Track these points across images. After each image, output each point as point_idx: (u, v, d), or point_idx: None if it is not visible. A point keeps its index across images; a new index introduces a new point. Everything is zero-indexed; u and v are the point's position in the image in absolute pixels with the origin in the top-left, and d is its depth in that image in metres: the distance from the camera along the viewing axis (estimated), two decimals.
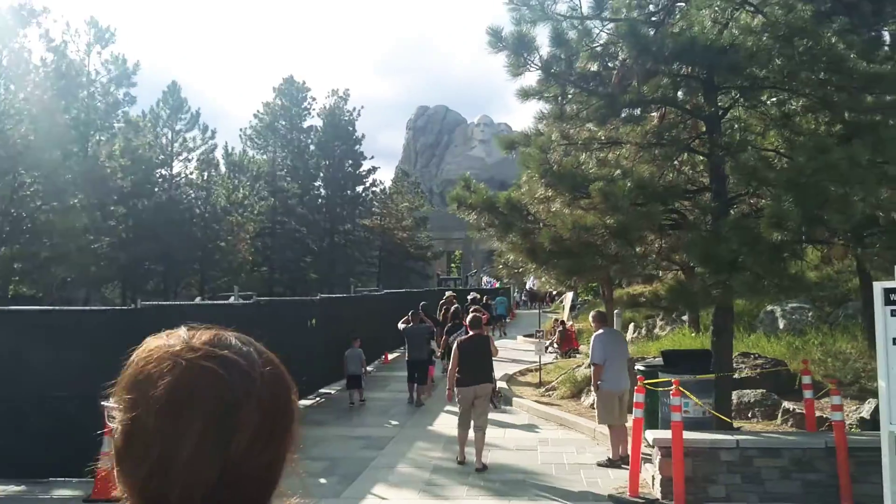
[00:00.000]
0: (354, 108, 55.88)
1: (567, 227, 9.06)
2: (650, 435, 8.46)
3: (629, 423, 11.08)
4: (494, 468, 9.87)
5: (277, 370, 1.08)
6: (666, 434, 8.25)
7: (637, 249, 9.69)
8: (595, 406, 11.41)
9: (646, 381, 8.85)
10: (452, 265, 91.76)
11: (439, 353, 16.92)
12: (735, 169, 9.83)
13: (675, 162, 10.48)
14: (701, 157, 10.84)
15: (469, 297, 22.53)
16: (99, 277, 32.21)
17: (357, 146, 54.55)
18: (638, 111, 10.46)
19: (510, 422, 13.13)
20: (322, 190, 53.56)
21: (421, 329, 16.04)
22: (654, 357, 13.68)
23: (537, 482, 9.25)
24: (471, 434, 10.07)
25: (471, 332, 10.70)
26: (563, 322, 24.01)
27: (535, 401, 15.01)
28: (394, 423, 13.48)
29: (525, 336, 29.97)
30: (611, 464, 10.11)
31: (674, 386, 8.21)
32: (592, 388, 12.94)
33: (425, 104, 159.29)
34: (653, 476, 8.68)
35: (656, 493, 8.35)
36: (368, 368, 20.03)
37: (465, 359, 10.16)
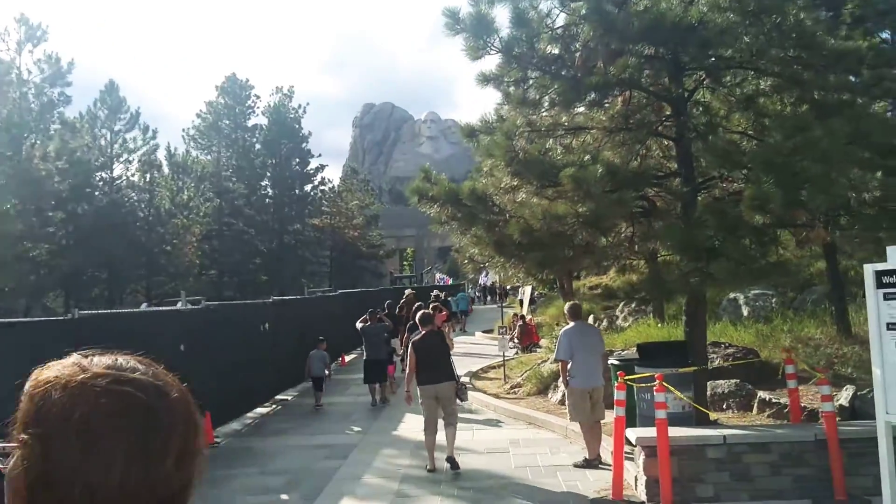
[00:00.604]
0: (300, 106, 54.85)
1: (537, 217, 8.57)
2: (632, 434, 8.00)
3: (607, 421, 10.70)
4: (467, 474, 9.34)
5: (184, 390, 1.08)
6: (650, 432, 7.80)
7: (609, 238, 9.26)
8: (566, 403, 10.97)
9: (627, 378, 8.36)
10: (405, 263, 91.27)
11: (400, 352, 16.50)
12: (706, 151, 9.45)
13: (642, 147, 10.06)
14: (668, 142, 10.48)
15: (432, 295, 22.63)
16: (39, 286, 30.80)
17: (304, 144, 53.53)
18: (601, 95, 10.00)
19: (477, 422, 12.64)
20: (269, 189, 52.41)
21: (378, 328, 15.71)
22: (623, 350, 13.31)
23: (514, 487, 8.74)
24: (440, 438, 9.60)
25: (422, 330, 10.07)
26: (522, 316, 23.61)
27: (501, 398, 14.55)
28: (356, 429, 12.87)
29: (484, 332, 29.61)
30: (588, 464, 9.66)
31: (657, 381, 7.76)
32: (562, 385, 12.57)
33: (371, 101, 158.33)
34: (636, 477, 8.24)
35: (641, 495, 7.90)
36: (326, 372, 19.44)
37: (422, 358, 9.66)
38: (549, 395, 14.05)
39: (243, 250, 45.38)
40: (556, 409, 12.80)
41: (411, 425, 12.82)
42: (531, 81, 10.31)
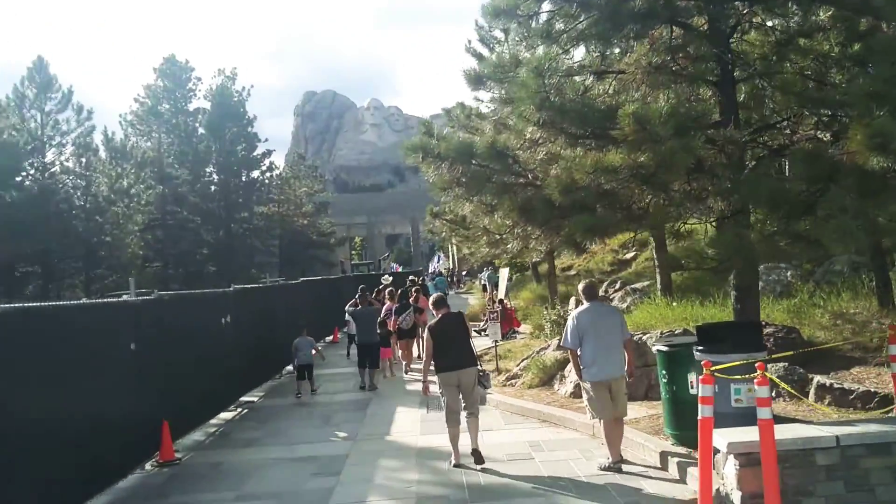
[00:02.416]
0: (244, 88, 52.17)
1: (585, 170, 6.82)
2: (721, 438, 6.34)
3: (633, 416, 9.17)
4: (496, 490, 7.60)
5: None
6: (746, 435, 6.16)
7: (666, 197, 7.56)
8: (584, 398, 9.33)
9: (715, 368, 6.67)
10: (353, 252, 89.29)
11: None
12: (777, 90, 7.85)
13: (693, 88, 8.41)
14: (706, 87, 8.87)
15: (409, 280, 23.59)
16: None
17: (249, 128, 50.92)
18: (642, 28, 8.28)
19: (483, 422, 10.85)
20: (215, 176, 49.71)
21: (370, 311, 15.46)
22: (644, 333, 11.71)
23: None
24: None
25: (437, 314, 9.04)
26: (500, 301, 21.94)
27: (501, 392, 12.84)
28: (342, 434, 11.00)
29: None
30: (614, 466, 8.08)
31: (759, 372, 6.10)
32: (573, 377, 11.05)
33: (312, 89, 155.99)
34: (718, 490, 6.58)
35: None
36: (290, 367, 17.63)
37: (439, 343, 8.69)
38: (556, 387, 12.40)
39: (189, 240, 42.74)
40: (570, 404, 11.15)
41: (404, 427, 11.08)
42: (551, 13, 8.57)
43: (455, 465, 8.60)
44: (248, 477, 8.89)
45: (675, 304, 13.57)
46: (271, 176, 54.94)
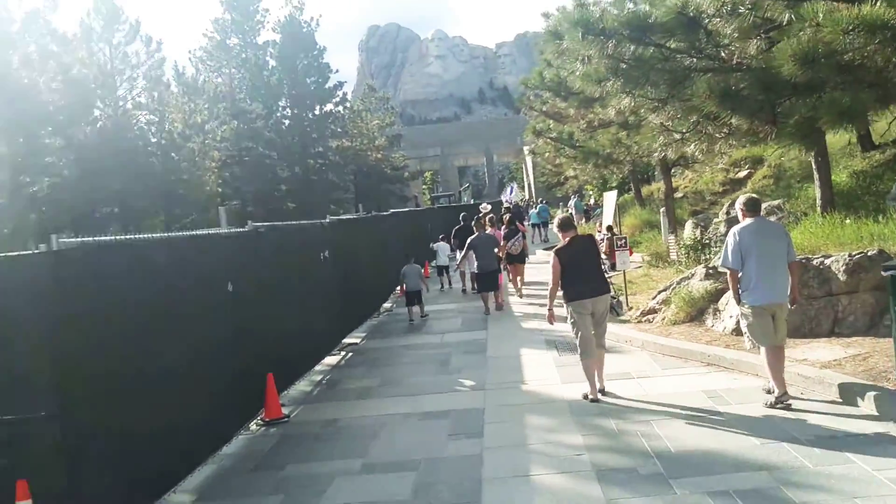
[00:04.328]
0: (312, 18, 50.29)
1: (839, 28, 4.90)
2: None
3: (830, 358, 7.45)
4: (696, 462, 5.91)
5: None
6: None
7: None
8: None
9: None
10: (424, 186, 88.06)
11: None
12: None
13: None
14: None
15: (503, 207, 24.31)
16: (44, 227, 27.05)
17: (321, 58, 49.18)
18: None
19: (634, 366, 9.23)
20: (288, 110, 48.33)
21: (489, 238, 15.19)
22: (825, 256, 9.74)
23: (799, 486, 5.29)
24: None
25: (563, 237, 8.29)
26: (609, 227, 20.05)
27: (642, 330, 11.14)
28: (467, 382, 9.47)
29: (546, 249, 26.64)
30: (782, 400, 7.03)
31: None
32: (730, 305, 9.47)
33: (375, 23, 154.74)
34: None
35: None
36: (387, 305, 16.47)
37: (569, 269, 7.99)
38: (709, 323, 10.62)
39: (265, 177, 41.56)
40: (736, 343, 9.39)
41: (538, 373, 9.50)
42: None
43: (591, 401, 7.89)
44: (372, 438, 7.43)
45: (848, 219, 11.49)
46: (344, 109, 53.37)
